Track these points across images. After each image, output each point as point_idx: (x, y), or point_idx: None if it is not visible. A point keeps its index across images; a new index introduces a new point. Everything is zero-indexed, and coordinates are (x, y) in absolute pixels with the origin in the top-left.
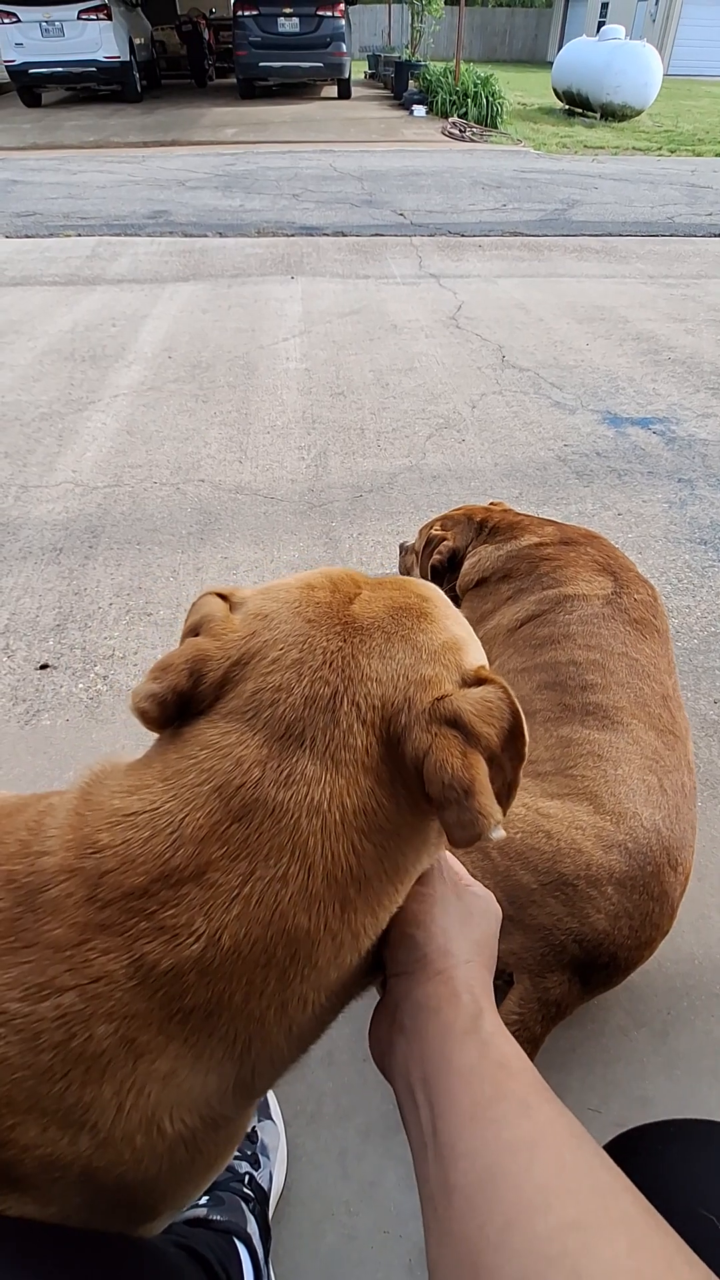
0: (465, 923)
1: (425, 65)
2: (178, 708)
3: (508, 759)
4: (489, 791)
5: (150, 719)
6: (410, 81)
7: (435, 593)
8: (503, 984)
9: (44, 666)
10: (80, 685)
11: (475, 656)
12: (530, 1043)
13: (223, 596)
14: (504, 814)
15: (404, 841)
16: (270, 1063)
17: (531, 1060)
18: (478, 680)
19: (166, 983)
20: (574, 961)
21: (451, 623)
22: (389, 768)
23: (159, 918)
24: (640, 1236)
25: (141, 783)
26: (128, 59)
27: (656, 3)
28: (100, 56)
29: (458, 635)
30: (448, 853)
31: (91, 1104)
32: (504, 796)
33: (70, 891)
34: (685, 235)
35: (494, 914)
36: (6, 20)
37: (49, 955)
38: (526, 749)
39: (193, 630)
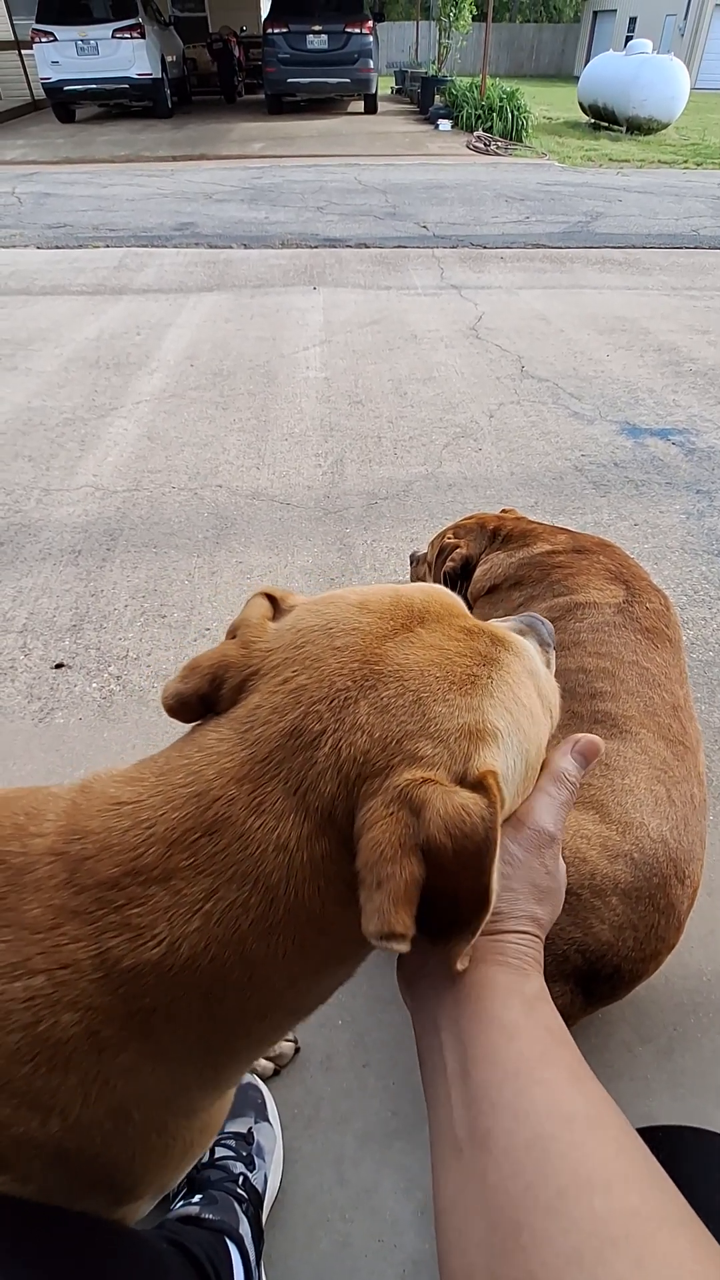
0: (536, 898)
1: (451, 80)
2: (200, 708)
3: (462, 887)
4: (403, 900)
5: (175, 715)
6: (436, 96)
7: (512, 666)
8: None
9: (59, 666)
10: (94, 685)
11: (494, 757)
12: None
13: (273, 599)
14: (447, 947)
15: None
16: (233, 1063)
17: None
18: (476, 784)
19: (128, 980)
20: (576, 972)
21: (497, 708)
22: (351, 825)
23: (126, 913)
24: (699, 1237)
25: (139, 774)
26: (159, 76)
27: (685, 17)
28: (133, 74)
29: (490, 725)
30: (554, 827)
31: (59, 1089)
32: (448, 927)
33: (53, 874)
34: (710, 248)
35: (562, 891)
36: (44, 39)
37: (25, 936)
38: (492, 892)
39: (232, 631)
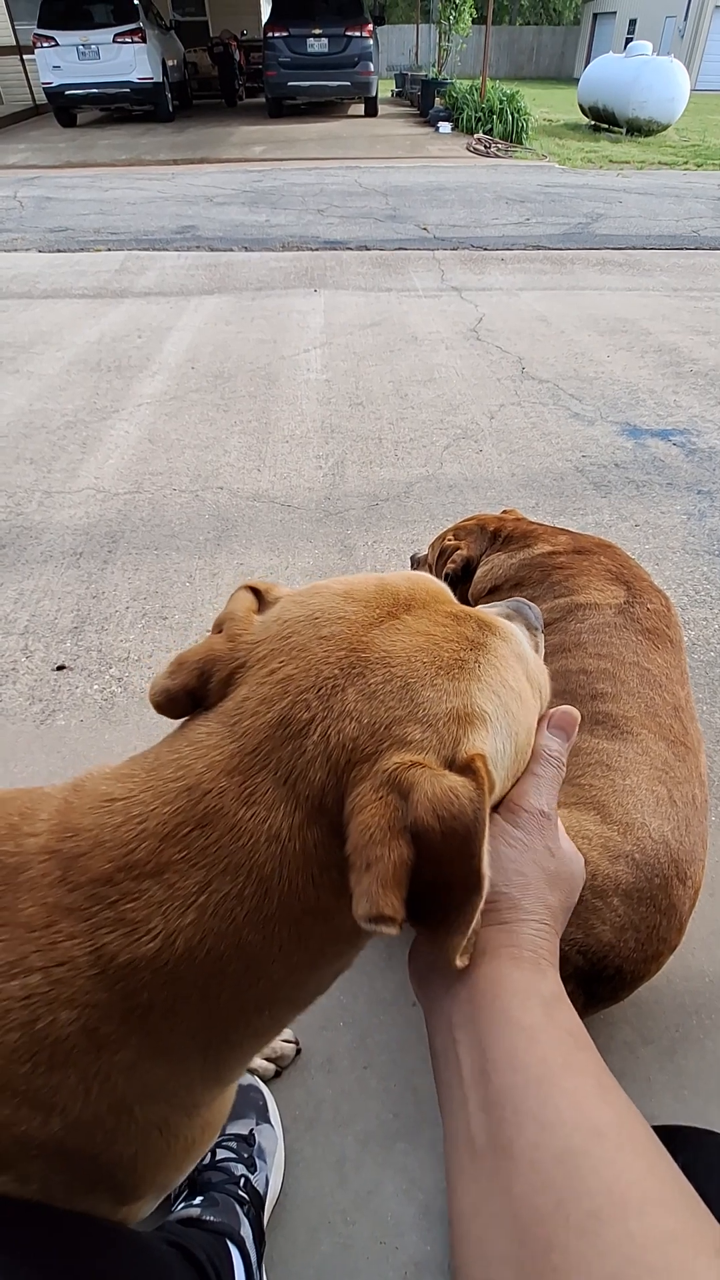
0: (548, 883)
1: (451, 83)
2: (189, 703)
3: (454, 872)
4: (392, 882)
5: (163, 711)
6: (436, 99)
7: (499, 650)
8: None
9: (61, 668)
10: (95, 687)
11: (482, 741)
12: None
13: (257, 592)
14: (446, 939)
15: None
16: (234, 1057)
17: None
18: (464, 767)
19: (124, 976)
20: (578, 973)
21: (485, 692)
22: (341, 812)
23: (120, 908)
24: None
25: (130, 771)
26: (160, 80)
27: (685, 19)
28: (134, 78)
29: (479, 709)
30: (548, 807)
31: (59, 1088)
32: (446, 916)
33: (47, 872)
34: (710, 249)
35: (578, 882)
36: (45, 44)
37: (20, 934)
38: (484, 876)
39: (218, 625)
